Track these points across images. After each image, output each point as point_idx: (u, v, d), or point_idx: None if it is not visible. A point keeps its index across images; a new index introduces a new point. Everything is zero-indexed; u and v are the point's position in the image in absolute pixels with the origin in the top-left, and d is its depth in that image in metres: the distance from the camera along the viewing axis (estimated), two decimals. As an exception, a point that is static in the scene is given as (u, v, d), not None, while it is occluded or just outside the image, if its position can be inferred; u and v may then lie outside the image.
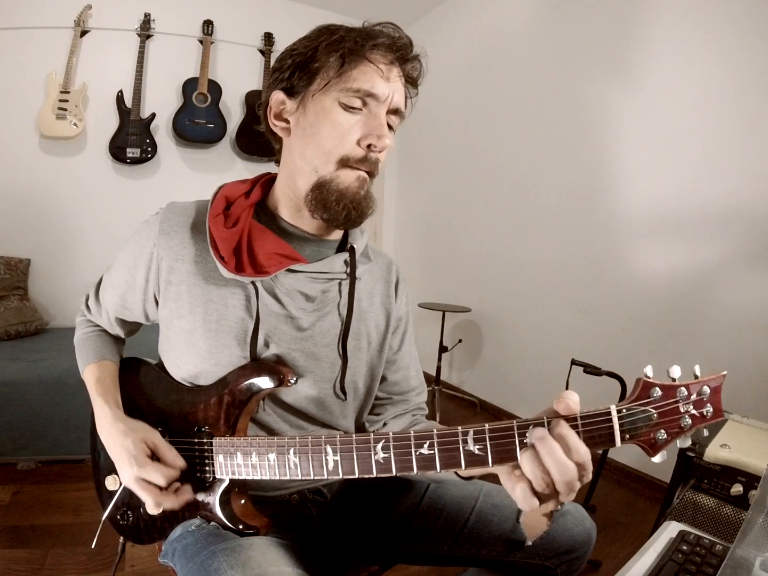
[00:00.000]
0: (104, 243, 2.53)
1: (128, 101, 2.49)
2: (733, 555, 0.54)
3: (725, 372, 0.47)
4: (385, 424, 0.79)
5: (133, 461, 0.60)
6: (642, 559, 0.63)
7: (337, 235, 0.72)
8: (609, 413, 0.44)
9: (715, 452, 1.05)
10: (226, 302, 0.65)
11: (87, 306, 0.81)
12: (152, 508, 0.61)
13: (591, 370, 1.39)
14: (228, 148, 2.84)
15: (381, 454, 0.51)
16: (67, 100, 2.34)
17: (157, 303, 0.69)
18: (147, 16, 2.54)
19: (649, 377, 0.46)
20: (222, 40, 2.76)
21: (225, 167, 2.88)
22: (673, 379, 0.46)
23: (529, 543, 0.69)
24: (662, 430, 0.45)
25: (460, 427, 0.48)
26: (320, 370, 0.70)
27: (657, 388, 0.45)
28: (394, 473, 0.51)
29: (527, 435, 0.46)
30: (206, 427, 0.64)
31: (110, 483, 0.69)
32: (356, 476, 0.53)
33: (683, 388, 0.45)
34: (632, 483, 1.92)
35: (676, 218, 1.78)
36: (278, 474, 0.58)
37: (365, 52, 0.59)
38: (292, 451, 0.56)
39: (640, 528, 1.60)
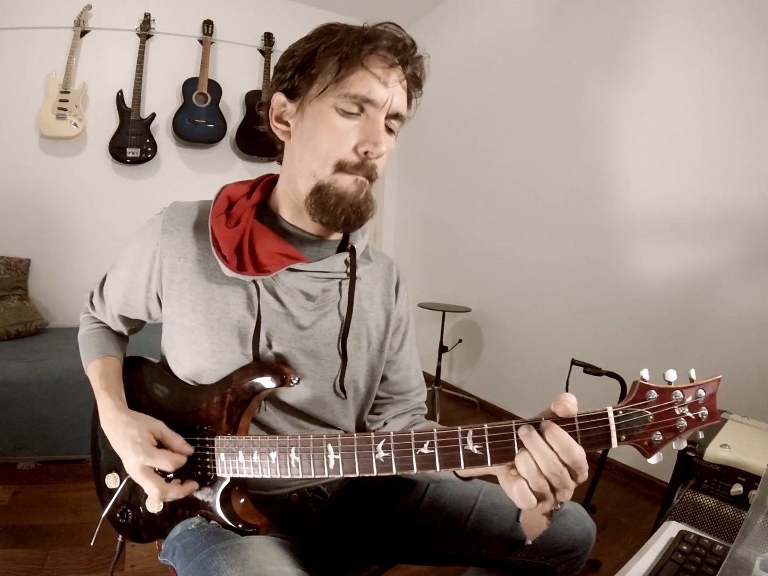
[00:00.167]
0: (104, 243, 2.53)
1: (128, 101, 2.50)
2: (733, 555, 0.54)
3: (720, 376, 0.48)
4: (385, 424, 0.79)
5: (140, 449, 0.61)
6: (642, 559, 0.63)
7: (337, 235, 0.72)
8: (606, 415, 0.46)
9: (715, 452, 1.05)
10: (227, 300, 0.65)
11: (91, 303, 0.81)
12: (156, 499, 0.61)
13: (591, 370, 1.39)
14: (228, 148, 2.84)
15: (382, 454, 0.52)
16: (67, 100, 2.34)
17: (159, 301, 0.70)
18: (147, 16, 2.54)
19: (645, 380, 0.47)
20: (222, 40, 2.76)
21: (225, 167, 2.88)
22: (669, 383, 0.46)
23: (529, 542, 0.70)
24: (658, 432, 0.46)
25: (459, 427, 0.49)
26: (320, 368, 0.70)
27: (653, 391, 0.46)
28: (394, 472, 0.51)
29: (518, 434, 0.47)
30: (208, 426, 0.64)
31: (110, 481, 0.70)
32: (357, 475, 0.53)
33: (679, 391, 0.46)
34: (632, 483, 1.92)
35: (676, 218, 1.78)
36: (279, 473, 0.58)
37: (363, 57, 0.59)
38: (293, 449, 0.57)
39: (640, 528, 1.60)
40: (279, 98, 0.65)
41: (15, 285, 2.26)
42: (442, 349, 2.56)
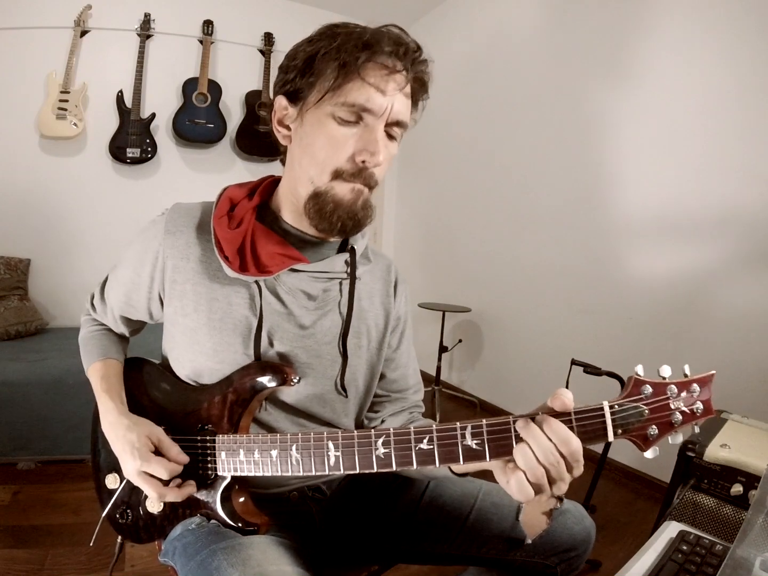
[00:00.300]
0: (104, 243, 2.53)
1: (128, 101, 2.50)
2: (733, 555, 0.54)
3: (714, 371, 0.49)
4: (383, 421, 0.80)
5: (137, 454, 0.61)
6: (642, 559, 0.63)
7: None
8: (602, 409, 0.47)
9: (715, 452, 1.06)
10: (230, 301, 0.66)
11: (92, 305, 0.81)
12: (155, 501, 0.61)
13: (591, 370, 1.39)
14: (228, 148, 2.84)
15: (381, 450, 0.52)
16: (67, 100, 2.34)
17: (161, 302, 0.70)
18: (147, 16, 2.54)
19: (640, 375, 0.48)
20: (222, 40, 2.76)
21: (225, 167, 2.88)
22: (664, 378, 0.48)
23: (529, 541, 0.70)
24: (654, 426, 0.47)
25: (458, 423, 0.49)
26: (321, 367, 0.70)
27: (648, 386, 0.47)
28: (394, 468, 0.52)
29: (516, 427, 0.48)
30: (209, 426, 0.64)
31: (110, 481, 0.70)
32: (357, 471, 0.54)
33: (673, 386, 0.47)
34: (632, 483, 1.92)
35: (676, 218, 1.78)
36: (280, 470, 0.58)
37: (360, 65, 0.58)
38: (294, 447, 0.57)
39: (640, 528, 1.60)
40: (281, 101, 0.65)
41: (15, 285, 2.26)
42: (442, 349, 2.56)
